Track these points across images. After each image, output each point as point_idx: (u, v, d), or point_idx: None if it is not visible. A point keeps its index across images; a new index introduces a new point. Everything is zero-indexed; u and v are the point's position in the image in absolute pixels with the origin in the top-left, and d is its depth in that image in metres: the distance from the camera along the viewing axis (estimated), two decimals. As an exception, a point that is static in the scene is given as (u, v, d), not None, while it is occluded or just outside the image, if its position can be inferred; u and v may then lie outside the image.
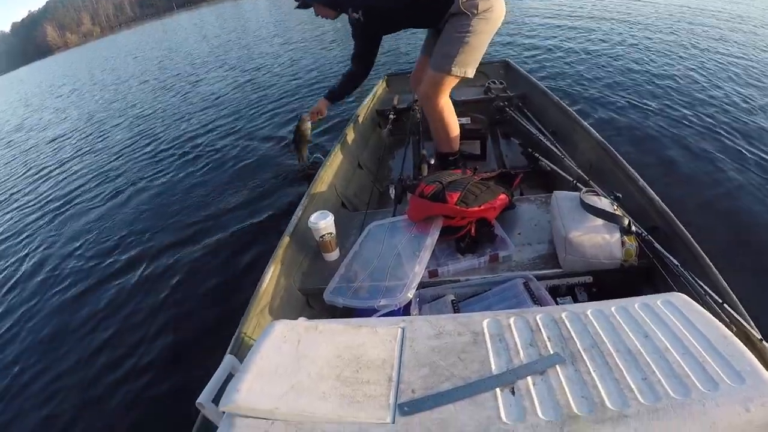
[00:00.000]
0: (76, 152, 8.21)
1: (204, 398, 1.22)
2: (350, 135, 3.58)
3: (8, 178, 8.00)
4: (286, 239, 2.29)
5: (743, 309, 1.47)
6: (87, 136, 9.16)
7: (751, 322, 1.41)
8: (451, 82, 2.73)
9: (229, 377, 1.25)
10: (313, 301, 2.22)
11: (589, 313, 1.12)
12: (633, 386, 0.91)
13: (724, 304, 1.46)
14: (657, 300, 1.14)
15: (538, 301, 1.62)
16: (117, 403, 2.67)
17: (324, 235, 2.22)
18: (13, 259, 4.84)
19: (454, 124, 2.94)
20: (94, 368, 2.99)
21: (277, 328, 1.25)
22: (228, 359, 1.36)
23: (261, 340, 1.22)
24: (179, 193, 5.18)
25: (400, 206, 2.60)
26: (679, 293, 1.16)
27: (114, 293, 3.69)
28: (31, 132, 11.79)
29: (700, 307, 1.10)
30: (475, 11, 2.50)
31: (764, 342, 1.33)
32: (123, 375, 2.86)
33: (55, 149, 8.97)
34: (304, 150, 4.06)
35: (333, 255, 2.29)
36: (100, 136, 8.82)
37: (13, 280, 4.39)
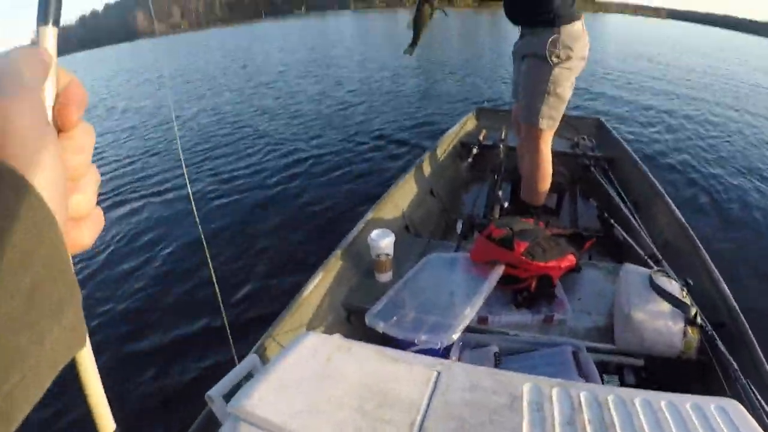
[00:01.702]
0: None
1: (215, 392, 1.21)
2: (429, 160, 3.57)
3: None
4: (340, 250, 2.29)
5: None
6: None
7: None
8: (545, 135, 2.70)
9: (248, 377, 1.24)
10: (353, 319, 2.21)
11: (637, 402, 1.05)
12: None
13: None
14: (710, 404, 1.06)
15: (584, 375, 1.55)
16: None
17: (381, 254, 2.20)
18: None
19: (546, 178, 2.88)
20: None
21: (310, 340, 1.23)
22: (251, 359, 1.35)
23: (290, 348, 1.20)
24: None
25: (464, 242, 2.56)
26: (735, 402, 1.08)
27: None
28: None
29: (754, 422, 1.02)
30: (556, 60, 2.46)
31: None
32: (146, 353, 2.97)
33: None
34: (421, 30, 4.01)
35: (385, 276, 2.27)
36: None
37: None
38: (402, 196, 3.03)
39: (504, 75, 9.53)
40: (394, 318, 1.92)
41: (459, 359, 1.72)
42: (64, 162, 0.30)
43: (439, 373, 1.16)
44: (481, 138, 4.06)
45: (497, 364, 1.70)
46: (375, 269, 2.27)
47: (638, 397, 1.07)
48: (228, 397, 1.17)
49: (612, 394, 1.08)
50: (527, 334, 1.88)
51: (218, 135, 7.55)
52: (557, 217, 3.26)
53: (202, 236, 1.72)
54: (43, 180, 0.26)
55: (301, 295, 2.00)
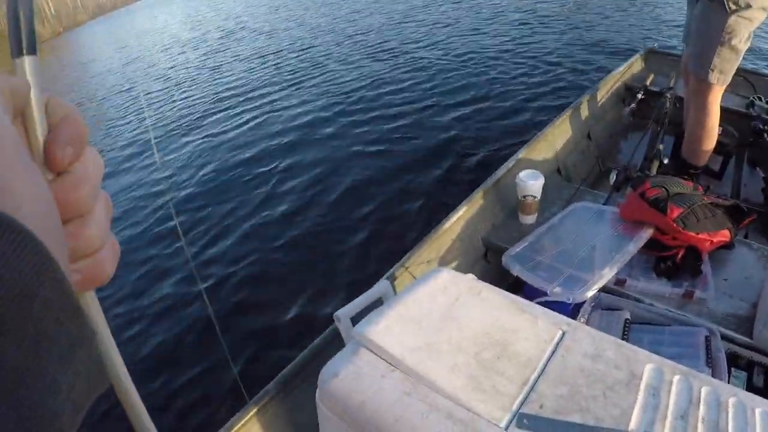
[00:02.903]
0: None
1: (344, 312, 1.28)
2: (589, 101, 3.42)
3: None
4: (487, 186, 2.31)
5: None
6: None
7: None
8: (714, 89, 2.52)
9: (377, 302, 1.32)
10: (490, 256, 2.26)
11: (758, 411, 1.04)
12: None
13: None
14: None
15: (711, 363, 1.53)
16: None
17: (528, 196, 2.21)
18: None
19: (711, 137, 2.71)
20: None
21: (442, 276, 1.27)
22: (382, 284, 1.41)
23: (421, 281, 1.25)
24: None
25: (615, 195, 2.50)
26: None
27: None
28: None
29: None
30: (734, 6, 2.24)
31: None
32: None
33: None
34: None
35: (530, 219, 2.28)
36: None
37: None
38: (557, 137, 2.96)
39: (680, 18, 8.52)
40: (531, 263, 1.96)
41: (588, 318, 1.74)
42: (61, 196, 0.29)
43: (563, 333, 1.18)
44: (647, 83, 3.78)
45: (625, 332, 1.71)
46: (519, 210, 2.28)
47: (761, 408, 1.05)
48: (355, 319, 1.25)
49: (735, 397, 1.06)
50: (663, 306, 1.85)
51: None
52: (719, 182, 3.06)
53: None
54: (30, 217, 0.24)
55: (441, 227, 2.06)
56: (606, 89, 3.65)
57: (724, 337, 1.70)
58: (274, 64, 7.76)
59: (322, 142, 4.79)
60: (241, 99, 6.40)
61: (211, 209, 3.98)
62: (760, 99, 3.65)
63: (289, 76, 6.98)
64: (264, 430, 1.46)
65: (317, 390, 1.08)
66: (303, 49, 8.29)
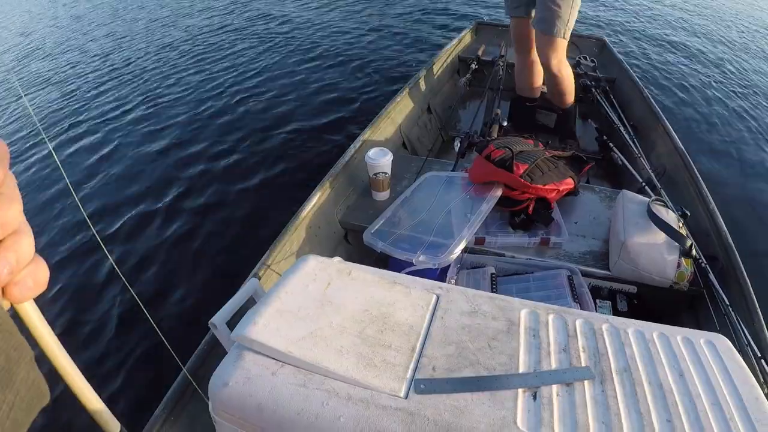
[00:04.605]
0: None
1: (218, 319, 1.20)
2: (426, 76, 3.49)
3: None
4: (337, 169, 2.27)
5: None
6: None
7: None
8: (565, 45, 2.73)
9: (250, 301, 1.25)
10: (351, 238, 2.23)
11: (630, 331, 1.08)
12: (656, 425, 0.88)
13: (762, 360, 1.40)
14: (700, 338, 1.09)
15: (577, 299, 1.58)
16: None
17: (379, 173, 2.19)
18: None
19: (572, 83, 3.00)
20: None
21: (310, 264, 1.23)
22: (251, 283, 1.35)
23: (290, 273, 1.20)
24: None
25: (462, 161, 2.55)
26: (724, 338, 1.11)
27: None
28: None
29: (741, 360, 1.05)
30: None
31: None
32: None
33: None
34: None
35: (383, 195, 2.27)
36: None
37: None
38: (399, 113, 2.99)
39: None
40: (392, 237, 1.94)
41: (456, 279, 1.75)
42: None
43: (438, 297, 1.17)
44: (479, 53, 3.95)
45: (493, 286, 1.73)
46: (372, 188, 2.26)
47: (631, 327, 1.10)
48: (231, 323, 1.17)
49: (606, 323, 1.11)
50: (523, 257, 1.90)
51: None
52: (555, 136, 3.23)
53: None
54: None
55: (297, 217, 2.00)
56: (441, 63, 3.75)
57: (584, 274, 1.77)
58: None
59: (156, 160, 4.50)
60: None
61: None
62: (585, 58, 3.92)
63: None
64: None
65: (209, 403, 0.99)
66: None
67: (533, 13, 2.81)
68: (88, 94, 5.58)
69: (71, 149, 4.45)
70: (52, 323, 0.39)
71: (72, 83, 6.03)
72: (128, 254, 3.09)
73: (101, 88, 5.70)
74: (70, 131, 4.80)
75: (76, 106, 5.34)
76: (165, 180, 3.79)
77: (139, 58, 6.64)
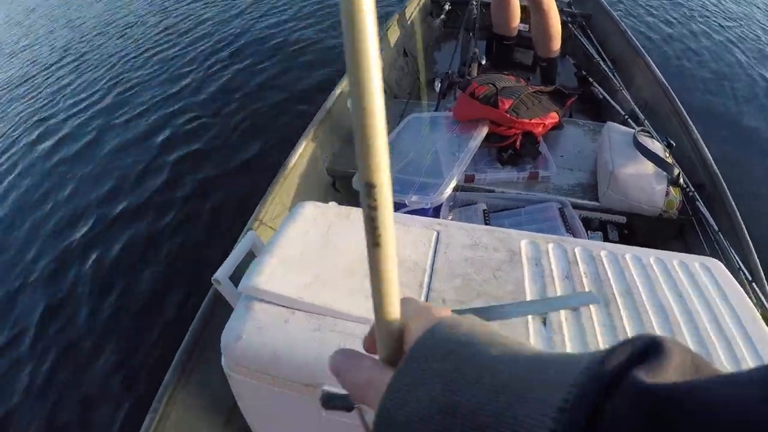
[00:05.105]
0: None
1: (221, 274, 1.18)
2: (399, 19, 3.43)
3: None
4: (320, 116, 2.25)
5: None
6: None
7: None
8: None
9: (249, 256, 1.24)
10: (339, 185, 2.22)
11: (627, 257, 1.11)
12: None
13: (753, 283, 1.45)
14: (695, 262, 1.12)
15: (570, 230, 1.61)
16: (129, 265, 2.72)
17: (362, 116, 2.16)
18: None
19: (559, 29, 2.87)
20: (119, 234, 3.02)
21: (307, 210, 1.21)
22: (250, 236, 1.33)
23: (288, 220, 1.19)
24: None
25: (444, 101, 2.54)
26: (717, 261, 1.14)
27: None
28: None
29: (735, 282, 1.08)
30: None
31: None
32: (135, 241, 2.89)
33: None
34: None
35: (368, 139, 2.24)
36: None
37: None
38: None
39: None
40: (381, 180, 1.93)
41: (450, 218, 1.76)
42: None
43: (438, 233, 1.18)
44: None
45: (486, 222, 1.76)
46: (356, 133, 2.23)
47: (629, 253, 1.12)
48: (234, 278, 1.16)
49: (605, 250, 1.13)
50: (513, 191, 1.92)
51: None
52: (534, 73, 3.22)
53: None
54: None
55: (288, 163, 1.98)
56: (413, 6, 3.68)
57: (575, 206, 1.80)
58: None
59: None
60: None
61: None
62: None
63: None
64: (177, 426, 1.33)
65: (222, 359, 0.98)
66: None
67: None
68: (50, 89, 5.33)
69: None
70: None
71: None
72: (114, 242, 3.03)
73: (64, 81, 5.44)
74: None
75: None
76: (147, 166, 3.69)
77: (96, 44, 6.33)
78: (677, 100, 2.32)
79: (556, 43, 2.90)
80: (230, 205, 2.97)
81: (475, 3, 3.49)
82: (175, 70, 4.85)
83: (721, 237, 1.58)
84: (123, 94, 4.61)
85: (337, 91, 2.45)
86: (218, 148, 3.56)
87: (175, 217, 3.00)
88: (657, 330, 0.94)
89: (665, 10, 5.50)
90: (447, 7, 3.74)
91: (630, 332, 0.93)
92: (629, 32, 3.12)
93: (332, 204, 1.30)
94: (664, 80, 2.49)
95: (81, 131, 4.09)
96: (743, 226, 1.66)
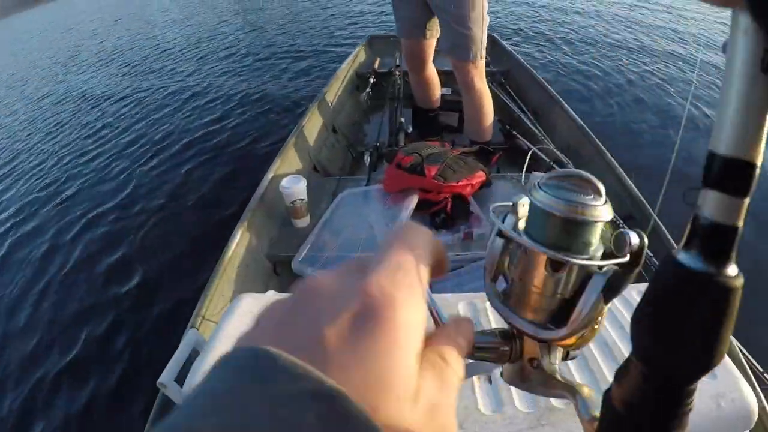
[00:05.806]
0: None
1: (166, 378, 1.14)
2: (327, 97, 3.50)
3: None
4: (254, 203, 2.24)
5: None
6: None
7: None
8: (482, 66, 2.70)
9: (193, 354, 1.20)
10: (280, 269, 2.19)
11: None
12: (608, 376, 0.90)
13: None
14: (632, 291, 1.12)
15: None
16: (72, 382, 2.57)
17: (295, 200, 2.17)
18: None
19: (491, 112, 2.85)
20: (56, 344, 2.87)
21: (244, 303, 1.19)
22: (191, 334, 1.29)
23: (227, 315, 1.16)
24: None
25: (374, 174, 2.56)
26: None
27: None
28: None
29: None
30: None
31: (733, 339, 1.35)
32: (77, 356, 2.72)
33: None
34: None
35: (303, 222, 2.24)
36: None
37: None
38: (305, 138, 2.97)
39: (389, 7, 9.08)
40: (321, 260, 1.92)
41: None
42: None
43: None
44: (375, 66, 3.99)
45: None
46: (291, 216, 2.23)
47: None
48: (179, 379, 1.11)
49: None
50: (450, 254, 1.90)
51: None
52: (460, 134, 3.28)
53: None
54: None
55: (225, 255, 1.95)
56: (339, 82, 3.75)
57: (512, 260, 1.80)
58: None
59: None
60: None
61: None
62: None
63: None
64: None
65: None
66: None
67: (429, 34, 2.77)
68: None
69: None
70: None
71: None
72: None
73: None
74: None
75: None
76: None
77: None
78: (596, 139, 2.40)
79: (490, 127, 2.88)
80: (172, 301, 2.87)
81: (398, 73, 3.58)
82: (105, 167, 4.78)
83: (657, 263, 1.59)
84: (60, 196, 4.51)
85: (270, 175, 2.45)
86: (153, 245, 3.47)
87: (118, 318, 2.89)
88: (603, 367, 0.93)
89: (568, 62, 5.78)
90: (372, 80, 3.82)
91: (577, 375, 0.92)
92: (546, 83, 3.24)
93: (270, 293, 1.27)
94: (582, 122, 2.58)
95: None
96: (676, 247, 1.68)
